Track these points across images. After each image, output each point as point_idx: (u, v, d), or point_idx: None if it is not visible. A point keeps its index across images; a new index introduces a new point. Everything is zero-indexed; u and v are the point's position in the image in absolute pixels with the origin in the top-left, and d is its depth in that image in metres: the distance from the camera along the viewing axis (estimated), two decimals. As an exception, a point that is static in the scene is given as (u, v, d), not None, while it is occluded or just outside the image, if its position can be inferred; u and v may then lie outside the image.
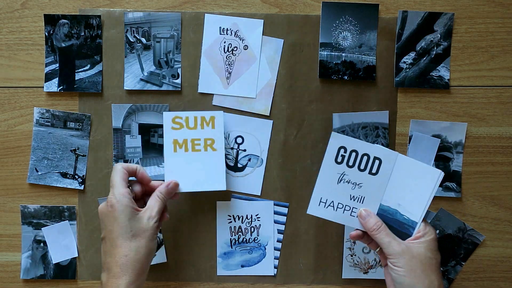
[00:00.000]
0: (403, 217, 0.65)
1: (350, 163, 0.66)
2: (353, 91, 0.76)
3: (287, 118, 0.77)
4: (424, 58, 0.76)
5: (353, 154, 0.66)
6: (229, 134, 0.76)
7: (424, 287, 0.59)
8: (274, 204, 0.77)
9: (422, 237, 0.63)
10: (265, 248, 0.77)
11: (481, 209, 0.77)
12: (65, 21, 0.75)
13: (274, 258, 0.77)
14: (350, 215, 0.67)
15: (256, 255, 0.77)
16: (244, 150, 0.76)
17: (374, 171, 0.66)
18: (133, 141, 0.76)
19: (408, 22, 0.75)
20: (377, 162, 0.66)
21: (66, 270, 0.77)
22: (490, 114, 0.77)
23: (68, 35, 0.75)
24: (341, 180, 0.66)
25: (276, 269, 0.77)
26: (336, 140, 0.66)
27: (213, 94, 0.76)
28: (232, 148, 0.76)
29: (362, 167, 0.66)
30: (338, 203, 0.67)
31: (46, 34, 0.75)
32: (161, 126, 0.76)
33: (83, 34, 0.75)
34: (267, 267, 0.77)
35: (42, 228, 0.77)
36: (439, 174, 0.63)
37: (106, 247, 0.63)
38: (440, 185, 0.77)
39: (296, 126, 0.77)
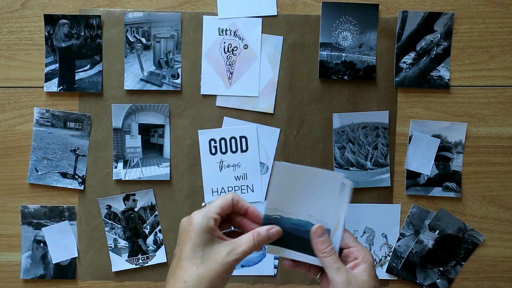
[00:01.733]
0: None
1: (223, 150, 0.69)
2: (353, 91, 0.76)
3: (287, 118, 0.77)
4: (424, 58, 0.76)
5: (222, 141, 0.72)
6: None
7: None
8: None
9: (361, 264, 0.56)
10: (265, 249, 0.77)
11: (481, 209, 0.77)
12: (65, 21, 0.75)
13: (274, 258, 0.77)
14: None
15: (256, 255, 0.77)
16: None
17: (244, 148, 0.71)
18: (133, 141, 0.76)
19: (408, 22, 0.75)
20: (243, 140, 0.70)
21: (66, 270, 0.77)
22: (490, 114, 0.77)
23: (68, 35, 0.75)
24: (222, 168, 0.67)
25: (276, 269, 0.77)
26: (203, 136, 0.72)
27: (216, 95, 0.76)
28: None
29: (233, 149, 0.71)
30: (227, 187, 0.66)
31: (46, 34, 0.75)
32: (161, 126, 0.76)
33: (83, 34, 0.75)
34: (267, 267, 0.77)
35: (42, 228, 0.77)
36: (341, 179, 0.57)
37: (173, 265, 0.56)
38: (440, 185, 0.77)
39: (296, 126, 0.77)
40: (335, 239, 0.57)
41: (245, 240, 0.55)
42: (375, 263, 0.78)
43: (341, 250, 0.57)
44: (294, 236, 0.58)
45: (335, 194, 0.57)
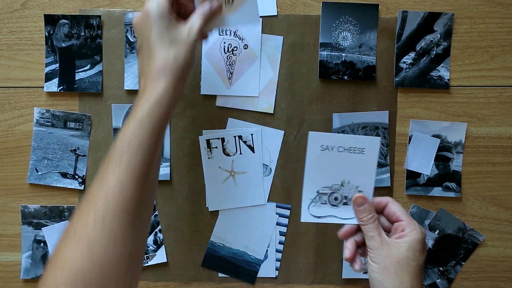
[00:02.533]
0: (250, 257, 0.68)
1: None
2: (353, 91, 0.76)
3: (287, 118, 0.77)
4: (424, 58, 0.76)
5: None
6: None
7: (394, 286, 0.57)
8: (276, 206, 0.77)
9: (406, 236, 0.58)
10: (267, 251, 0.77)
11: (481, 209, 0.77)
12: (65, 21, 0.75)
13: (276, 260, 0.77)
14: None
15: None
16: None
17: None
18: (133, 141, 0.76)
19: (408, 22, 0.75)
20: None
21: (66, 270, 0.77)
22: (490, 114, 0.77)
23: (68, 35, 0.75)
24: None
25: (277, 271, 0.77)
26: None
27: (216, 95, 0.76)
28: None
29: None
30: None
31: (46, 34, 0.75)
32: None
33: (83, 34, 0.75)
34: (268, 269, 0.77)
35: (42, 228, 0.77)
36: (274, 217, 0.63)
37: (143, 57, 0.59)
38: (440, 185, 0.77)
39: (296, 126, 0.77)
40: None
41: (195, 19, 0.60)
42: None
43: (392, 222, 0.60)
44: (233, 264, 0.70)
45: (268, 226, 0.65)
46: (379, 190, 0.77)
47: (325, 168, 0.61)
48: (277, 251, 0.77)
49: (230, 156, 0.76)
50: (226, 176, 0.76)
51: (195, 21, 0.60)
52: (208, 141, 0.76)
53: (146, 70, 0.58)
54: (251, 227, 0.76)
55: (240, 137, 0.76)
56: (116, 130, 0.76)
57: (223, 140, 0.76)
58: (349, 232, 0.62)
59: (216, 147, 0.76)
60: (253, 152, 0.75)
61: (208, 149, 0.76)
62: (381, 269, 0.57)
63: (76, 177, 0.76)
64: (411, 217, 0.60)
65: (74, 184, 0.76)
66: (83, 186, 0.76)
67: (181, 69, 0.58)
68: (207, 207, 0.77)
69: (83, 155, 0.76)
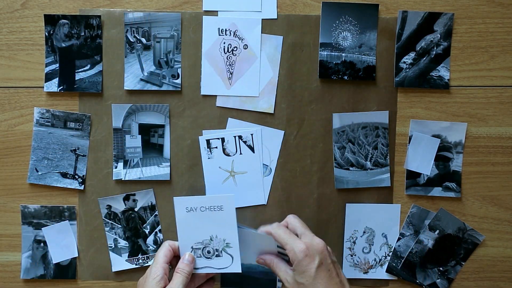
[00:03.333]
0: (264, 267, 0.71)
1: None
2: (353, 91, 0.76)
3: (287, 118, 0.77)
4: (424, 58, 0.76)
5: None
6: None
7: None
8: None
9: (293, 264, 0.64)
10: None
11: (481, 209, 0.77)
12: (65, 21, 0.75)
13: (278, 281, 0.77)
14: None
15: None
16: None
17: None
18: (133, 141, 0.76)
19: (408, 22, 0.75)
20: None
21: (66, 270, 0.77)
22: (490, 114, 0.77)
23: (68, 35, 0.75)
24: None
25: None
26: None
27: (216, 96, 0.76)
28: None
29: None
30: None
31: (46, 34, 0.75)
32: (161, 126, 0.76)
33: (83, 34, 0.75)
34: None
35: (42, 228, 0.77)
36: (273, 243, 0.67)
37: None
38: (440, 185, 0.77)
39: (296, 126, 0.77)
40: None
41: (176, 281, 0.64)
42: (375, 262, 0.78)
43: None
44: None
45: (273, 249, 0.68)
46: (379, 190, 0.77)
47: (194, 227, 0.68)
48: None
49: (230, 156, 0.76)
50: (226, 176, 0.76)
51: (176, 283, 0.64)
52: (208, 141, 0.76)
53: None
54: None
55: (240, 137, 0.76)
56: (116, 130, 0.76)
57: (223, 140, 0.76)
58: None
59: (216, 147, 0.76)
60: (253, 152, 0.75)
61: (208, 149, 0.76)
62: None
63: (76, 177, 0.76)
64: (290, 240, 0.64)
65: (74, 184, 0.76)
66: (83, 186, 0.76)
67: None
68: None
69: (83, 155, 0.76)
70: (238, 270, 0.68)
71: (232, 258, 0.69)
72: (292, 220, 0.68)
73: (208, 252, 0.69)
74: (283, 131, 0.76)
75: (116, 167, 0.76)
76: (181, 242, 0.69)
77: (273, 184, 0.77)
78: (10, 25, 0.75)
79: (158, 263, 0.64)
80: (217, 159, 0.76)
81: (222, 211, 0.68)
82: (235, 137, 0.76)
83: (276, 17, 0.76)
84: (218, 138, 0.76)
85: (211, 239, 0.69)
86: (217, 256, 0.69)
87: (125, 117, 0.76)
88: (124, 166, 0.76)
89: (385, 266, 0.78)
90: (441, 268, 0.78)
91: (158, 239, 0.77)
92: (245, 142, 0.76)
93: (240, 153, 0.76)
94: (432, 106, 0.77)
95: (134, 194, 0.77)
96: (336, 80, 0.76)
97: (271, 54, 0.76)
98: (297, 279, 0.63)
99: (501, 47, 0.76)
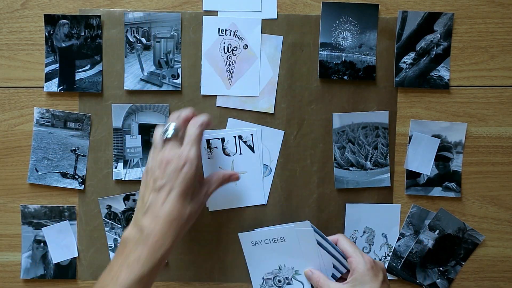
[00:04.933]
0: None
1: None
2: (353, 91, 0.76)
3: (287, 118, 0.77)
4: (424, 58, 0.76)
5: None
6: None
7: None
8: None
9: (352, 274, 0.66)
10: None
11: (481, 209, 0.77)
12: (65, 21, 0.75)
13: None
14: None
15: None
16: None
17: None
18: (133, 141, 0.76)
19: (408, 22, 0.75)
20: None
21: (66, 270, 0.77)
22: (490, 114, 0.77)
23: (68, 35, 0.75)
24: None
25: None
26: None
27: (216, 96, 0.76)
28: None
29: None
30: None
31: (46, 34, 0.75)
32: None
33: (83, 34, 0.75)
34: None
35: (42, 228, 0.77)
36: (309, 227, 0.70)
37: (164, 197, 0.61)
38: (440, 185, 0.77)
39: (296, 126, 0.77)
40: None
41: (214, 181, 0.68)
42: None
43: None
44: None
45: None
46: (379, 190, 0.77)
47: (262, 258, 0.73)
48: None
49: (230, 156, 0.76)
50: None
51: (213, 183, 0.68)
52: (208, 141, 0.76)
53: (158, 214, 0.60)
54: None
55: (240, 137, 0.76)
56: (116, 130, 0.76)
57: (223, 140, 0.76)
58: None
59: (216, 147, 0.76)
60: (253, 152, 0.75)
61: (208, 149, 0.76)
62: None
63: (76, 177, 0.76)
64: (356, 251, 0.67)
65: (74, 184, 0.76)
66: (83, 186, 0.76)
67: (188, 226, 0.63)
68: (207, 207, 0.77)
69: (83, 155, 0.76)
70: None
71: (303, 284, 0.72)
72: (342, 238, 0.71)
73: (279, 281, 0.73)
74: (283, 131, 0.76)
75: (116, 167, 0.76)
76: (252, 274, 0.74)
77: (273, 184, 0.77)
78: (10, 25, 0.75)
79: (199, 148, 0.64)
80: (217, 159, 0.76)
81: (285, 242, 0.71)
82: (235, 137, 0.76)
83: (276, 17, 0.76)
84: (218, 138, 0.76)
85: (279, 268, 0.72)
86: (288, 284, 0.72)
87: (125, 117, 0.76)
88: (124, 166, 0.76)
89: (385, 266, 0.78)
90: (441, 268, 0.78)
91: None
92: (245, 142, 0.76)
93: (240, 153, 0.76)
94: (432, 106, 0.77)
95: (134, 194, 0.77)
96: (336, 80, 0.76)
97: (271, 54, 0.76)
98: None
99: (501, 47, 0.76)
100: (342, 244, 0.69)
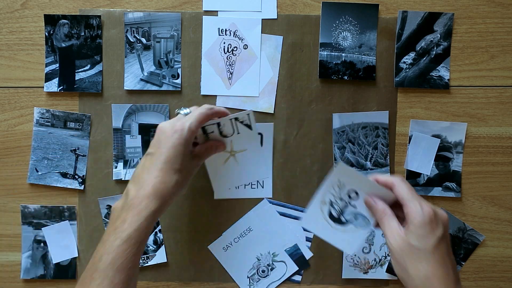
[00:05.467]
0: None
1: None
2: (353, 91, 0.76)
3: (287, 118, 0.77)
4: (424, 58, 0.76)
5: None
6: (344, 184, 0.62)
7: (410, 279, 0.57)
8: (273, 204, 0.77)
9: (409, 225, 0.57)
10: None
11: (481, 209, 0.77)
12: (65, 21, 0.75)
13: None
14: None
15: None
16: (354, 207, 0.63)
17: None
18: (133, 141, 0.76)
19: (408, 22, 0.75)
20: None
21: (66, 270, 0.77)
22: (490, 114, 0.77)
23: (68, 35, 0.75)
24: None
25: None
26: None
27: (216, 96, 0.76)
28: (341, 199, 0.63)
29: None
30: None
31: (46, 34, 0.75)
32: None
33: (83, 34, 0.75)
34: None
35: (42, 228, 0.77)
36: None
37: (149, 163, 0.62)
38: (440, 185, 0.77)
39: (296, 126, 0.77)
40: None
41: (204, 150, 0.68)
42: (375, 262, 0.78)
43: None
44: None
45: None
46: (379, 190, 0.77)
47: (239, 258, 0.74)
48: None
49: (228, 137, 0.74)
50: (226, 156, 0.75)
51: (204, 152, 0.68)
52: (203, 128, 0.73)
53: (145, 180, 0.61)
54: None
55: (236, 118, 0.73)
56: (116, 130, 0.76)
57: (219, 124, 0.74)
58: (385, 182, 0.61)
59: (213, 132, 0.73)
60: (251, 129, 0.74)
61: (205, 135, 0.74)
62: (395, 265, 0.59)
63: (76, 177, 0.76)
64: (414, 199, 0.58)
65: (74, 184, 0.76)
66: (83, 186, 0.76)
67: (174, 197, 0.63)
68: (207, 209, 0.77)
69: (83, 155, 0.76)
70: (295, 268, 0.70)
71: (285, 262, 0.71)
72: (400, 182, 0.60)
73: (263, 271, 0.73)
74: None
75: (116, 167, 0.76)
76: (237, 279, 0.75)
77: (273, 184, 0.77)
78: (10, 25, 0.75)
79: (195, 122, 0.64)
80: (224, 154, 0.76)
81: (252, 231, 0.72)
82: (231, 119, 0.74)
83: (276, 17, 0.76)
84: (214, 124, 0.74)
85: (258, 259, 0.72)
86: (272, 269, 0.72)
87: (125, 117, 0.76)
88: (124, 166, 0.76)
89: (385, 266, 0.78)
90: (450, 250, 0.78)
91: (158, 239, 0.77)
92: (241, 122, 0.73)
93: (238, 133, 0.74)
94: (432, 106, 0.77)
95: (134, 194, 0.77)
96: (336, 80, 0.76)
97: (271, 54, 0.76)
98: (412, 241, 0.56)
99: (501, 47, 0.76)
100: (399, 190, 0.59)
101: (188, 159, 0.64)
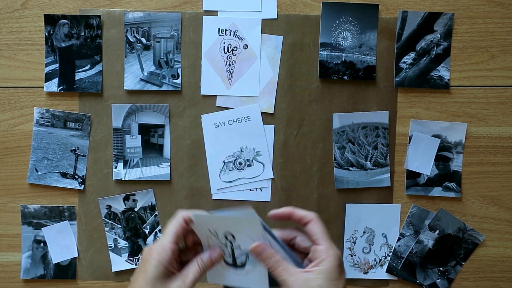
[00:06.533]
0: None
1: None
2: (353, 91, 0.76)
3: (287, 118, 0.77)
4: (424, 58, 0.76)
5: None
6: (216, 232, 0.56)
7: None
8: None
9: (321, 265, 0.54)
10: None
11: (481, 209, 0.77)
12: (65, 21, 0.75)
13: None
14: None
15: None
16: (239, 247, 0.57)
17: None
18: (133, 141, 0.76)
19: (408, 22, 0.75)
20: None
21: (66, 270, 0.77)
22: (490, 114, 0.77)
23: (68, 35, 0.75)
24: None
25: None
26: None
27: (216, 96, 0.76)
28: (225, 245, 0.58)
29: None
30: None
31: (46, 34, 0.75)
32: (161, 126, 0.76)
33: (83, 34, 0.75)
34: None
35: (42, 228, 0.77)
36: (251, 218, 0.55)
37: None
38: (440, 185, 0.77)
39: (296, 126, 0.77)
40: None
41: (191, 270, 0.56)
42: (375, 262, 0.78)
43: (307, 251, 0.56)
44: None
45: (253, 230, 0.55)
46: (379, 190, 0.77)
47: (224, 141, 0.70)
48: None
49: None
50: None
51: (191, 272, 0.56)
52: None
53: None
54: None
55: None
56: (116, 130, 0.76)
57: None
58: (280, 216, 0.58)
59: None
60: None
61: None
62: None
63: (76, 177, 0.76)
64: (329, 241, 0.56)
65: (74, 184, 0.76)
66: (83, 186, 0.76)
67: None
68: (207, 209, 0.77)
69: (83, 155, 0.76)
70: (270, 176, 0.69)
71: (263, 165, 0.69)
72: (316, 221, 0.57)
73: (240, 163, 0.70)
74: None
75: (116, 167, 0.76)
76: (211, 158, 0.70)
77: (273, 184, 0.77)
78: (10, 25, 0.75)
79: (166, 238, 0.55)
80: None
81: (249, 121, 0.69)
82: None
83: (276, 17, 0.76)
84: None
85: (241, 150, 0.70)
86: (249, 166, 0.70)
87: (125, 117, 0.76)
88: (124, 166, 0.76)
89: (385, 266, 0.78)
90: (441, 268, 0.78)
91: (158, 239, 0.77)
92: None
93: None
94: (432, 106, 0.77)
95: (134, 194, 0.77)
96: (336, 80, 0.76)
97: (271, 54, 0.76)
98: (320, 283, 0.53)
99: (501, 47, 0.76)
100: (314, 227, 0.56)
101: (167, 285, 0.55)
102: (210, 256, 0.57)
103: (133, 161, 0.76)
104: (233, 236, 0.56)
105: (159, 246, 0.55)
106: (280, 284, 0.54)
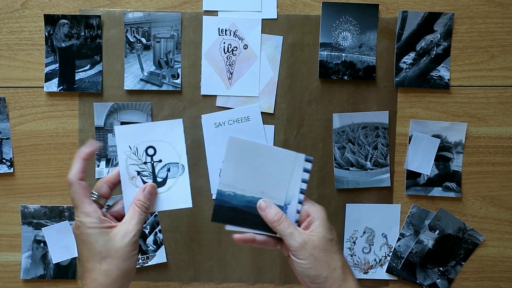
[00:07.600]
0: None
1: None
2: (353, 91, 0.76)
3: (287, 118, 0.77)
4: (424, 58, 0.76)
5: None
6: (136, 148, 0.60)
7: (330, 271, 0.57)
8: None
9: (315, 220, 0.59)
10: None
11: (481, 209, 0.77)
12: (65, 21, 0.75)
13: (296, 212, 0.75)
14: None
15: None
16: (160, 161, 0.61)
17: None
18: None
19: (408, 22, 0.75)
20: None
21: (66, 270, 0.77)
22: (490, 114, 0.77)
23: (68, 35, 0.75)
24: None
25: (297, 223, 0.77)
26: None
27: (216, 96, 0.76)
28: (145, 163, 0.60)
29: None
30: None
31: (46, 34, 0.75)
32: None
33: (83, 34, 0.75)
34: (289, 216, 0.70)
35: (42, 228, 0.77)
36: (295, 157, 0.60)
37: (81, 270, 0.57)
38: (440, 185, 0.77)
39: (296, 126, 0.77)
40: (290, 212, 0.60)
41: (131, 214, 0.57)
42: (375, 262, 0.78)
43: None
44: (248, 213, 0.61)
45: (288, 170, 0.60)
46: (379, 190, 0.77)
47: (223, 141, 0.62)
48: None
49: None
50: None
51: (131, 217, 0.57)
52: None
53: (83, 286, 0.56)
54: (265, 168, 0.62)
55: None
56: (98, 128, 0.76)
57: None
58: (243, 240, 0.61)
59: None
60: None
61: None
62: (312, 263, 0.57)
63: (4, 161, 0.76)
64: (309, 200, 0.62)
65: (3, 169, 0.76)
66: (12, 168, 0.76)
67: (116, 285, 0.55)
68: (207, 209, 0.77)
69: (6, 138, 0.76)
70: None
71: None
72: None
73: None
74: (181, 119, 0.65)
75: (98, 166, 0.76)
76: (209, 158, 0.69)
77: (273, 184, 0.77)
78: (10, 25, 0.75)
79: (82, 205, 0.55)
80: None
81: (249, 121, 0.68)
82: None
83: (276, 17, 0.76)
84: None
85: None
86: None
87: (107, 115, 0.76)
88: (107, 164, 0.76)
89: (385, 266, 0.78)
90: (441, 268, 0.78)
91: (158, 239, 0.77)
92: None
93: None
94: (432, 106, 0.77)
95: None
96: (336, 80, 0.76)
97: (271, 54, 0.76)
98: (327, 235, 0.58)
99: (501, 47, 0.76)
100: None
101: (112, 239, 0.55)
102: (143, 192, 0.58)
103: (115, 160, 0.74)
104: (154, 149, 0.57)
105: (80, 216, 0.55)
106: (284, 237, 0.58)
